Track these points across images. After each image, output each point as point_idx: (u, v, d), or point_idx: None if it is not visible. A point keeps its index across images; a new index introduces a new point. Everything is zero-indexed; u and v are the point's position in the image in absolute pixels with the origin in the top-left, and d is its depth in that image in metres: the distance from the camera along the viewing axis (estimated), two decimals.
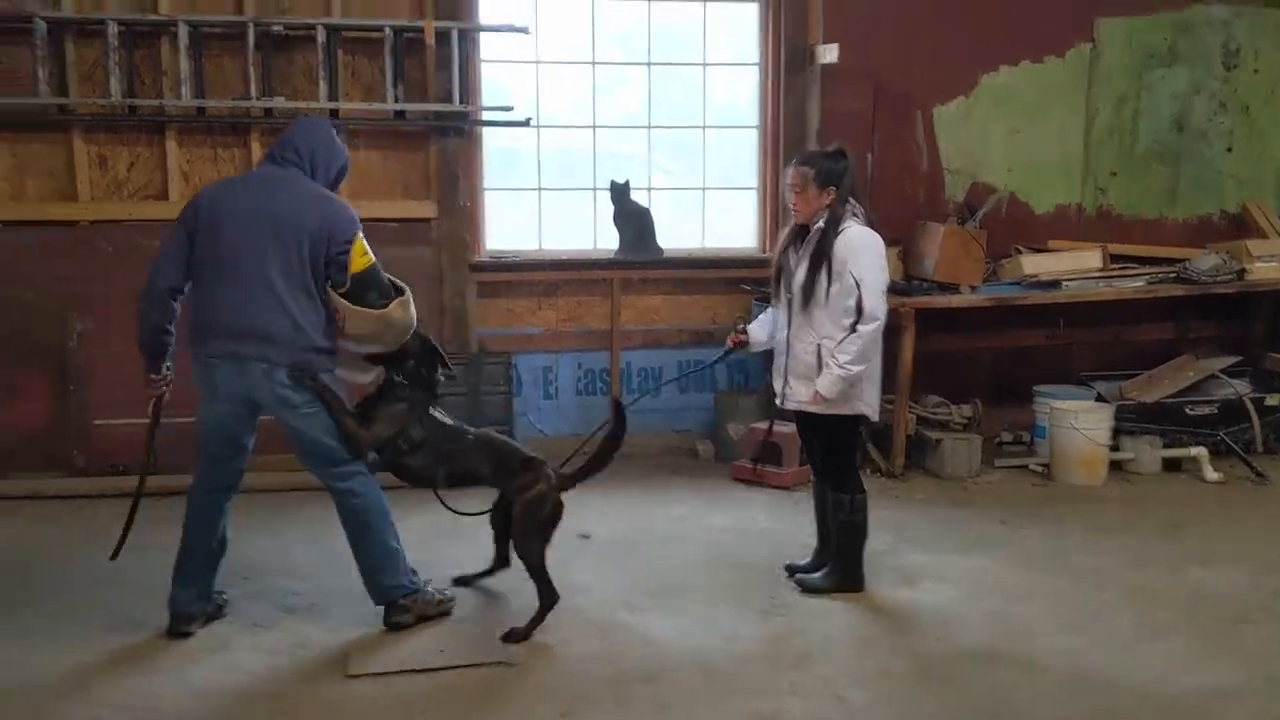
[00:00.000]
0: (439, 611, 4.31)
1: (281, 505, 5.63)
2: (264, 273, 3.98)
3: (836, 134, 6.14)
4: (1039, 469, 6.50)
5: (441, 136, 6.41)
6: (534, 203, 6.83)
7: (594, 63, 6.79)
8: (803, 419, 4.69)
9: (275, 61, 6.17)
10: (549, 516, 4.26)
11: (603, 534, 5.37)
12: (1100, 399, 6.70)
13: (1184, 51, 7.23)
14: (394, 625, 4.20)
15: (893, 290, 6.28)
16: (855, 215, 4.49)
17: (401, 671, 3.89)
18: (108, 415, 6.06)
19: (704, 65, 6.93)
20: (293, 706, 3.67)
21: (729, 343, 4.88)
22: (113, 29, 5.86)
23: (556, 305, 6.79)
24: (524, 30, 6.40)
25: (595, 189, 6.84)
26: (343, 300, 4.07)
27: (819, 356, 4.46)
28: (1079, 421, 6.24)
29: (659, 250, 6.82)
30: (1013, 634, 4.27)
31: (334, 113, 6.21)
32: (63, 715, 3.63)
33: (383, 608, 4.24)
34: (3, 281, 6.02)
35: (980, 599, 4.61)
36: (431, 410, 4.37)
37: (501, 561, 4.66)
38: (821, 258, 4.43)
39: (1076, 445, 6.26)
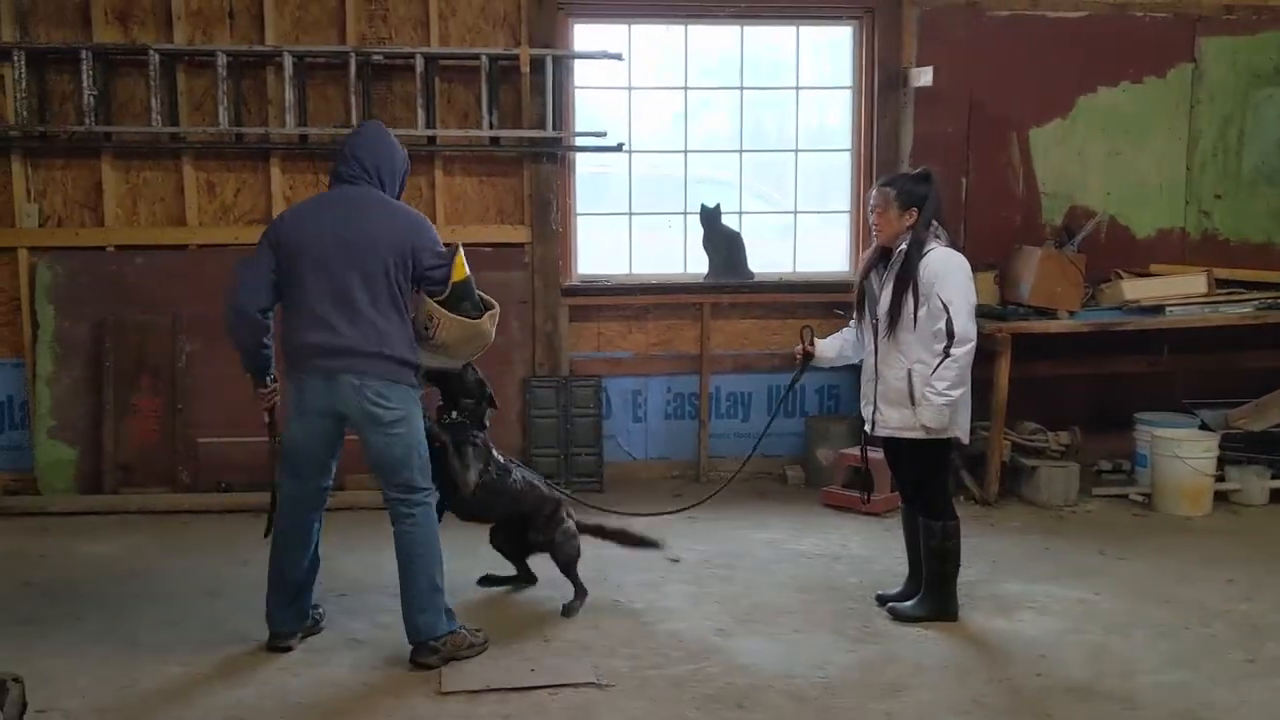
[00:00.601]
0: (468, 655, 4.19)
1: (379, 523, 5.70)
2: (346, 290, 4.05)
3: (930, 157, 6.10)
4: (1139, 498, 6.33)
5: (535, 162, 6.51)
6: (625, 227, 6.89)
7: (686, 88, 6.84)
8: (891, 445, 4.65)
9: (375, 89, 6.34)
10: (578, 548, 4.75)
11: (692, 558, 5.37)
12: (1205, 427, 6.51)
13: None
14: (418, 665, 4.10)
15: (988, 315, 6.25)
16: (938, 237, 4.45)
17: (494, 689, 3.93)
18: (213, 433, 6.25)
19: (797, 89, 6.93)
20: None
21: (798, 354, 4.83)
22: (221, 60, 6.08)
23: (646, 329, 6.83)
24: (618, 57, 6.49)
25: (686, 213, 6.87)
26: (440, 308, 4.14)
27: (910, 382, 4.42)
28: (1182, 450, 6.07)
29: (749, 274, 6.82)
30: (1113, 668, 4.16)
31: (431, 139, 6.36)
32: None
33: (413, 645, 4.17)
34: (118, 303, 6.25)
35: (1079, 631, 4.51)
36: (494, 451, 4.63)
37: (528, 578, 4.94)
38: (906, 281, 4.40)
39: (1179, 475, 6.09)
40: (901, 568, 4.86)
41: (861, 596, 4.85)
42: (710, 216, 6.74)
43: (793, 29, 6.86)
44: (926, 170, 4.55)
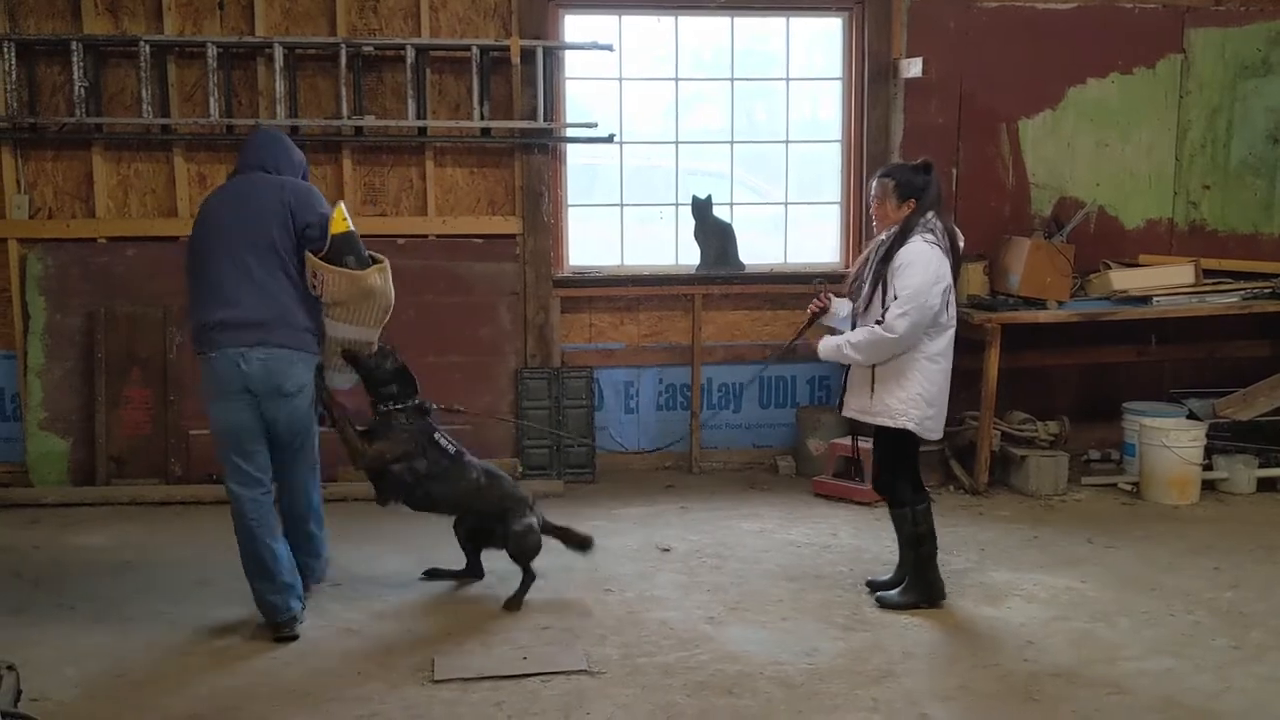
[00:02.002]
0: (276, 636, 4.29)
1: (371, 514, 5.72)
2: (240, 265, 4.18)
3: (920, 148, 6.12)
4: (1128, 488, 6.37)
5: (526, 153, 6.52)
6: (616, 219, 6.90)
7: (677, 79, 6.84)
8: (874, 430, 4.71)
9: (365, 81, 6.34)
10: (538, 544, 4.70)
11: (683, 548, 5.40)
12: (1192, 416, 6.55)
13: (1278, 63, 7.06)
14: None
15: (978, 305, 6.29)
16: (930, 230, 4.46)
17: (486, 677, 3.96)
18: (204, 425, 6.19)
19: (787, 80, 6.94)
20: (379, 709, 3.76)
21: (811, 308, 4.79)
22: (212, 51, 6.07)
23: (638, 320, 6.84)
24: (608, 48, 6.49)
25: (677, 205, 6.89)
26: (321, 262, 4.20)
27: (872, 369, 4.51)
28: (1170, 439, 6.11)
29: (741, 265, 6.84)
30: (1099, 655, 4.20)
31: (422, 130, 6.36)
32: (162, 710, 3.77)
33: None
34: (110, 295, 6.25)
35: (1066, 618, 4.54)
36: (436, 438, 4.62)
37: (475, 572, 4.90)
38: (883, 269, 4.46)
39: (1167, 464, 6.13)
40: (891, 556, 4.90)
41: (851, 585, 4.88)
42: (701, 208, 6.76)
43: (783, 20, 6.87)
44: (927, 161, 4.58)
